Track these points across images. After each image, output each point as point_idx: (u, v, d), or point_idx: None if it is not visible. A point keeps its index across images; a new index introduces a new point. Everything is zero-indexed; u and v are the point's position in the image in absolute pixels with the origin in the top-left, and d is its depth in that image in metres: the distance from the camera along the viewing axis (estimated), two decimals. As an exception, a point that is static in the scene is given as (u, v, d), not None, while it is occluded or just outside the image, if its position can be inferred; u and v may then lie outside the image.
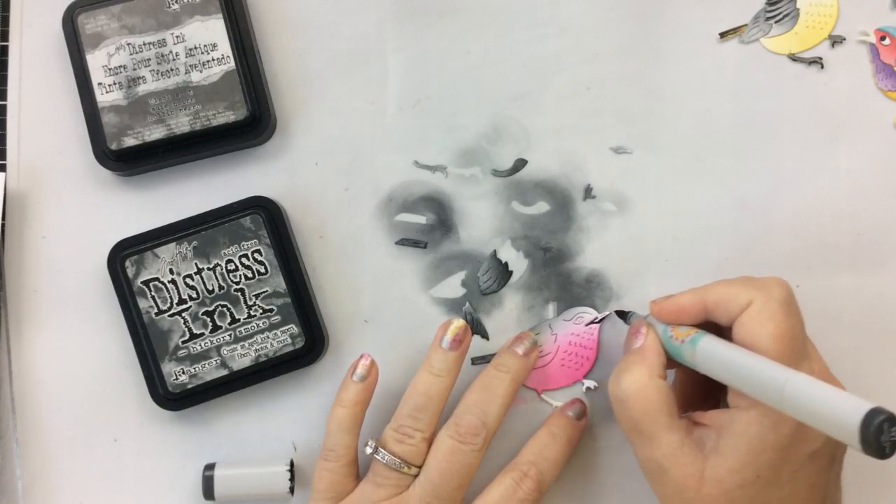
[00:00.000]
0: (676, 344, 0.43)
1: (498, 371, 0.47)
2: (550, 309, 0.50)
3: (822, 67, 0.51)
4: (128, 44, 0.49)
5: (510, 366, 0.47)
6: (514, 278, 0.51)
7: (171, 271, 0.48)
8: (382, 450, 0.46)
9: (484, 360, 0.50)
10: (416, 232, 0.51)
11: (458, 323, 0.47)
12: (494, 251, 0.51)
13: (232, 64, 0.49)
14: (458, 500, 0.45)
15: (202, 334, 0.48)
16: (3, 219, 0.51)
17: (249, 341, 0.48)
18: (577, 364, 0.50)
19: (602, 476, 0.50)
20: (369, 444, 0.46)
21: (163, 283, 0.48)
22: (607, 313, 0.50)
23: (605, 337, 0.50)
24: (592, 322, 0.50)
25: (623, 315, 0.49)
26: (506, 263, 0.51)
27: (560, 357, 0.50)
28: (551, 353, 0.50)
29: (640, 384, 0.42)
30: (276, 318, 0.48)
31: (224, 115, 0.49)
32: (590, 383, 0.50)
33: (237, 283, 0.48)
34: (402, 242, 0.51)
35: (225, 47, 0.49)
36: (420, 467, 0.46)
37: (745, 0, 0.52)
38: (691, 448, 0.41)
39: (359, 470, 0.47)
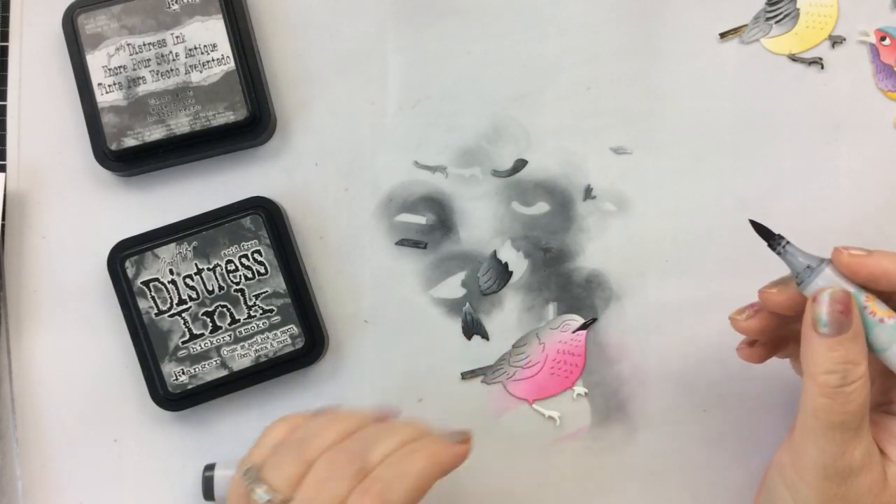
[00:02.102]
0: (873, 321, 0.36)
1: (423, 454, 0.39)
2: (550, 309, 0.50)
3: (822, 67, 0.51)
4: (128, 44, 0.49)
5: (429, 440, 0.40)
6: (514, 279, 0.51)
7: (171, 272, 0.48)
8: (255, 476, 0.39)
9: (473, 373, 0.50)
10: (416, 232, 0.51)
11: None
12: (494, 251, 0.51)
13: (232, 64, 0.49)
14: None
15: (202, 335, 0.48)
16: (3, 219, 0.51)
17: (249, 342, 0.48)
18: (566, 372, 0.50)
19: (602, 476, 0.50)
20: (242, 469, 0.40)
21: (163, 283, 0.48)
22: (592, 319, 0.50)
23: (592, 343, 0.50)
24: (579, 329, 0.50)
25: (768, 235, 0.40)
26: (506, 264, 0.51)
27: (549, 366, 0.50)
28: (540, 362, 0.50)
29: (864, 378, 0.37)
30: (276, 318, 0.48)
31: (224, 116, 0.49)
32: (580, 389, 0.50)
33: (237, 284, 0.48)
34: (402, 243, 0.51)
35: (225, 47, 0.49)
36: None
37: (745, 0, 0.52)
38: (877, 451, 0.38)
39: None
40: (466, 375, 0.50)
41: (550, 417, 0.50)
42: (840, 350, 0.37)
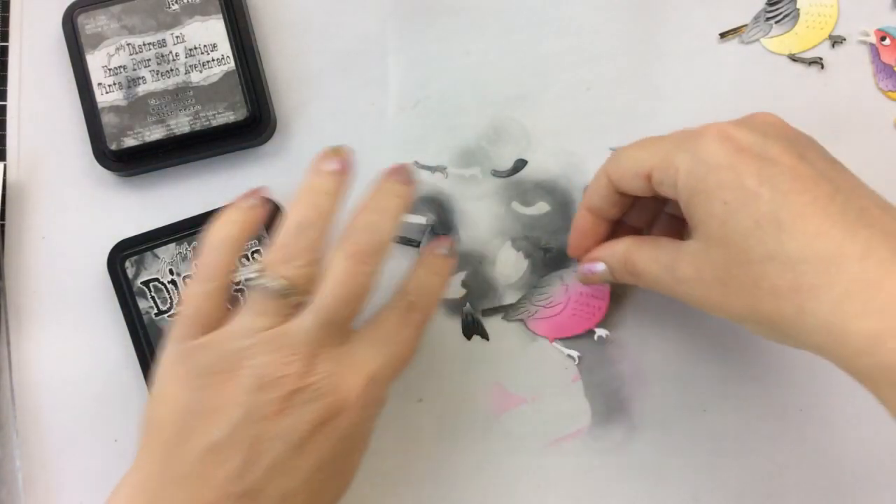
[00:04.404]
0: None
1: (387, 195, 0.42)
2: (550, 309, 0.50)
3: (822, 67, 0.51)
4: (128, 44, 0.49)
5: (398, 191, 0.42)
6: (514, 279, 0.51)
7: (171, 272, 0.48)
8: (265, 273, 0.39)
9: (494, 310, 0.50)
10: (416, 232, 0.51)
11: (343, 147, 0.43)
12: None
13: (232, 64, 0.49)
14: (349, 328, 0.40)
15: (202, 334, 0.48)
16: (4, 219, 0.51)
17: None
18: (588, 314, 0.49)
19: (602, 476, 0.50)
20: (249, 267, 0.40)
21: (163, 283, 0.48)
22: None
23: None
24: None
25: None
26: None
27: (571, 307, 0.50)
28: (562, 303, 0.50)
29: None
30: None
31: (224, 116, 0.49)
32: (602, 332, 0.49)
33: (237, 285, 0.48)
34: (400, 242, 0.51)
35: (225, 48, 0.49)
36: (306, 293, 0.39)
37: (745, 0, 0.52)
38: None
39: (231, 299, 0.42)
40: (487, 312, 0.50)
41: (570, 356, 0.50)
42: None
